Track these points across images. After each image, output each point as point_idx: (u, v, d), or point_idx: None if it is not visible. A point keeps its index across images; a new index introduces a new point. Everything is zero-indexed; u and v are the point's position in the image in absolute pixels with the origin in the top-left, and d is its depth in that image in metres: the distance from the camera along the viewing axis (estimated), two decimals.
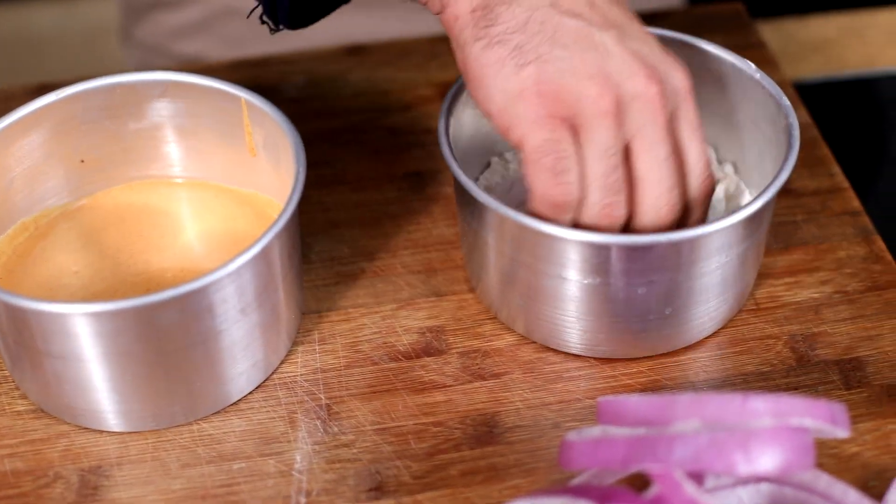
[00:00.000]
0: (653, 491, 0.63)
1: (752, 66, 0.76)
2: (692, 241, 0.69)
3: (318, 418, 0.72)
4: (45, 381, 0.70)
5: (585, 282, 0.70)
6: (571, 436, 0.63)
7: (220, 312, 0.68)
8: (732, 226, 0.69)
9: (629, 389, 0.73)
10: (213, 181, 0.80)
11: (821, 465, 0.68)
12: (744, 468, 0.58)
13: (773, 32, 1.05)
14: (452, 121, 0.74)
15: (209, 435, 0.71)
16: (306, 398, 0.73)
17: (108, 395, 0.69)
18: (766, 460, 0.58)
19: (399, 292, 0.78)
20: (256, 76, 0.93)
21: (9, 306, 0.67)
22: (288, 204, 0.69)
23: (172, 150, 0.79)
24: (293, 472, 0.70)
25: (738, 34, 0.95)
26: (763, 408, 0.59)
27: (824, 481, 0.65)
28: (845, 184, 0.84)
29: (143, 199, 0.79)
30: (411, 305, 0.77)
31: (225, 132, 0.77)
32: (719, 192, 0.79)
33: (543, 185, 0.67)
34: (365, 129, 0.89)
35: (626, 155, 0.68)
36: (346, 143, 0.88)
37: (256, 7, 0.73)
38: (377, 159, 0.87)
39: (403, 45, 0.95)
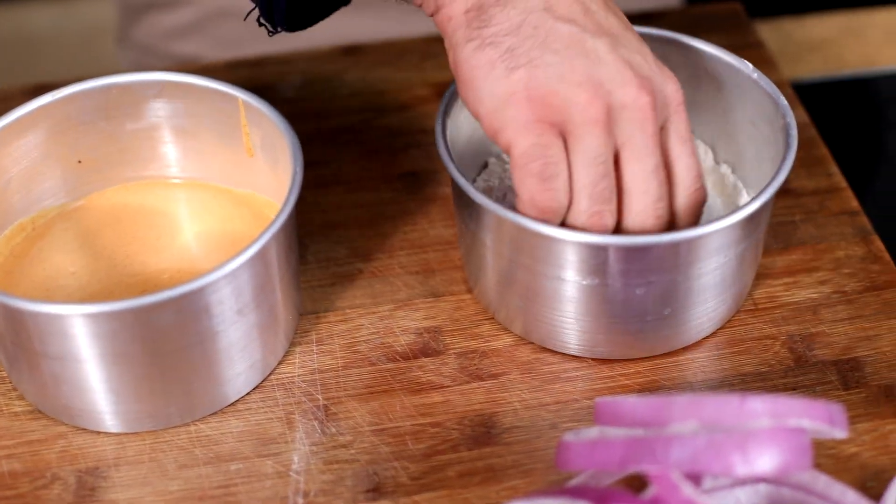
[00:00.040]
0: (650, 492, 0.63)
1: (750, 65, 0.76)
2: (690, 242, 0.69)
3: (316, 419, 0.72)
4: (42, 382, 0.70)
5: (584, 283, 0.69)
6: (569, 437, 0.63)
7: (218, 313, 0.68)
8: (731, 226, 0.69)
9: (627, 390, 0.73)
10: (210, 182, 0.80)
11: (819, 466, 0.68)
12: (742, 469, 0.58)
13: (771, 32, 1.05)
14: (449, 122, 0.74)
15: (206, 436, 0.71)
16: (304, 399, 0.73)
17: (105, 396, 0.69)
18: (764, 461, 0.58)
19: (396, 293, 0.78)
20: (253, 76, 0.92)
21: (6, 307, 0.67)
22: (285, 205, 0.69)
23: (169, 151, 0.79)
24: (291, 473, 0.69)
25: (736, 34, 0.95)
26: (761, 408, 0.59)
27: (822, 482, 0.65)
28: (843, 184, 0.84)
29: (140, 199, 0.79)
30: (409, 306, 0.77)
31: (222, 132, 0.77)
32: (713, 194, 0.79)
33: (530, 190, 0.67)
34: (362, 129, 0.89)
35: (616, 162, 0.68)
36: (344, 143, 0.88)
37: (253, 9, 0.73)
38: (374, 159, 0.86)
39: (400, 46, 0.95)
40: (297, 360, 0.75)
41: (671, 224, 0.70)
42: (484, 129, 0.68)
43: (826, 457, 0.69)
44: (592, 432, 0.64)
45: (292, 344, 0.75)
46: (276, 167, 0.75)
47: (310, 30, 0.75)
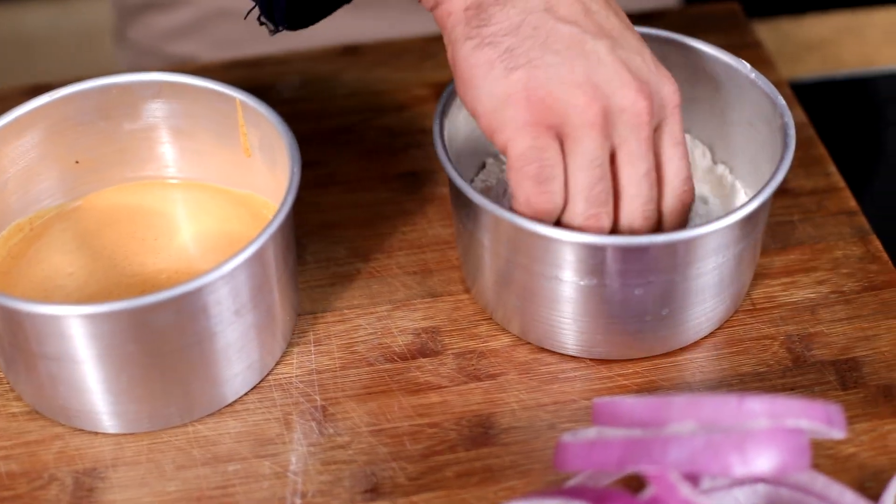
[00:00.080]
0: (648, 492, 0.63)
1: (748, 65, 0.76)
2: (688, 242, 0.69)
3: (314, 420, 0.72)
4: (39, 383, 0.70)
5: (581, 283, 0.69)
6: (567, 437, 0.63)
7: (215, 314, 0.68)
8: (729, 226, 0.69)
9: (625, 390, 0.73)
10: (208, 182, 0.79)
11: (817, 466, 0.68)
12: (740, 469, 0.58)
13: (769, 32, 1.05)
14: (447, 122, 0.74)
15: (204, 436, 0.71)
16: (302, 399, 0.73)
17: (102, 397, 0.69)
18: (762, 462, 0.58)
19: (394, 293, 0.78)
20: (251, 77, 0.92)
21: (3, 308, 0.66)
22: (282, 205, 0.69)
23: (167, 151, 0.79)
24: (288, 474, 0.69)
25: (734, 34, 0.95)
26: (759, 409, 0.59)
27: (821, 482, 0.65)
28: (841, 183, 0.84)
29: (138, 200, 0.79)
30: (407, 306, 0.77)
31: (220, 133, 0.77)
32: (711, 194, 0.79)
33: (526, 192, 0.67)
34: (360, 129, 0.89)
35: (611, 161, 0.68)
36: (342, 143, 0.88)
37: (253, 8, 0.73)
38: (372, 160, 0.86)
39: (398, 46, 0.95)
40: (294, 361, 0.74)
41: (658, 224, 0.70)
42: (481, 127, 0.68)
43: (824, 457, 0.69)
44: (590, 433, 0.64)
45: (290, 344, 0.75)
46: (274, 167, 0.75)
47: (308, 30, 0.75)
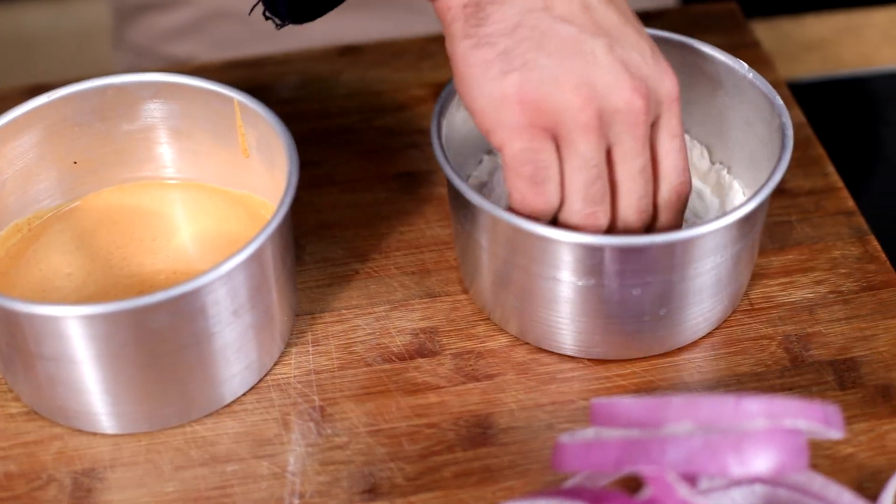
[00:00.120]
0: (646, 493, 0.63)
1: (745, 65, 0.76)
2: (686, 242, 0.69)
3: (312, 420, 0.72)
4: (37, 384, 0.70)
5: (579, 283, 0.69)
6: (564, 438, 0.63)
7: (213, 314, 0.68)
8: (727, 226, 0.69)
9: (623, 391, 0.73)
10: (206, 182, 0.79)
11: (815, 467, 0.68)
12: (737, 470, 0.58)
13: (767, 32, 1.05)
14: (445, 122, 0.74)
15: (202, 437, 0.71)
16: (300, 400, 0.73)
17: (101, 397, 0.69)
18: (760, 462, 0.58)
19: (392, 293, 0.78)
20: (249, 77, 0.92)
21: (1, 309, 0.66)
22: (281, 205, 0.69)
23: (165, 152, 0.79)
24: (287, 474, 0.69)
25: (733, 34, 0.95)
26: (756, 409, 0.59)
27: (818, 483, 0.65)
28: (840, 183, 0.84)
29: (136, 200, 0.79)
30: (405, 306, 0.77)
31: (218, 133, 0.77)
32: (709, 194, 0.79)
33: (522, 192, 0.67)
34: (358, 129, 0.89)
35: (606, 157, 0.68)
36: (340, 143, 0.88)
37: (257, 3, 0.73)
38: (370, 160, 0.86)
39: (396, 46, 0.95)
40: (292, 361, 0.74)
41: (654, 217, 0.70)
42: (476, 125, 0.68)
43: (822, 457, 0.69)
44: (588, 433, 0.64)
45: (288, 345, 0.75)
46: (272, 168, 0.75)
47: (307, 30, 0.75)
